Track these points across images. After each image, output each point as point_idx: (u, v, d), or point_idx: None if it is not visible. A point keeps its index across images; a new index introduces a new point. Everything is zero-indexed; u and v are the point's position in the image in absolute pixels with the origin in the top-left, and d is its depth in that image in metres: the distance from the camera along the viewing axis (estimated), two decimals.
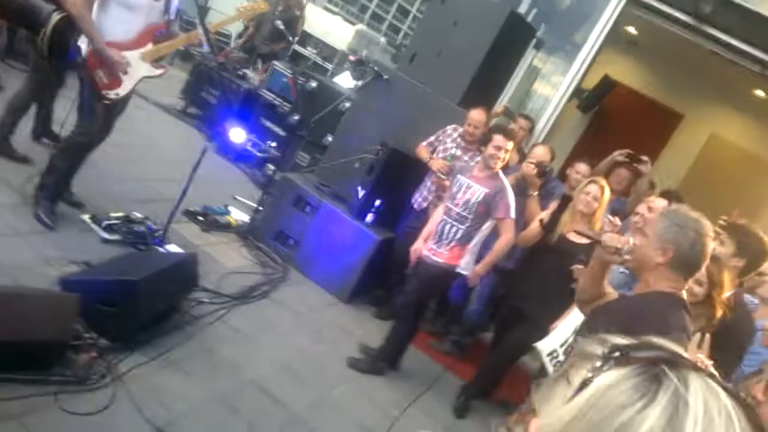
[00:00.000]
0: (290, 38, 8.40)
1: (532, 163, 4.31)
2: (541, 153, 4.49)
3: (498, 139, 3.83)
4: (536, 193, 4.33)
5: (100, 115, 3.70)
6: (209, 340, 3.40)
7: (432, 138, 4.72)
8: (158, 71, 3.87)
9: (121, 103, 3.85)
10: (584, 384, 0.64)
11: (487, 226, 3.89)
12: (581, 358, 0.69)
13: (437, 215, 4.00)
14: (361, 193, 4.80)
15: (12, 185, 3.89)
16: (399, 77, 5.19)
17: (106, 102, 3.66)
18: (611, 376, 0.62)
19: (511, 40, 5.16)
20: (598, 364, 0.65)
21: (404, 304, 4.09)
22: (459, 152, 4.58)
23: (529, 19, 6.16)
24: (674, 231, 2.04)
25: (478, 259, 4.01)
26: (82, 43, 3.59)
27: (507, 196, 3.75)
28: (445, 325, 4.97)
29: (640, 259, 2.12)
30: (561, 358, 2.93)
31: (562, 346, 3.04)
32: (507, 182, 3.79)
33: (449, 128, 4.70)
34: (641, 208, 3.57)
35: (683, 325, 2.05)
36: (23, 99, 4.39)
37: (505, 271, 4.56)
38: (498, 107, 5.73)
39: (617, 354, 0.65)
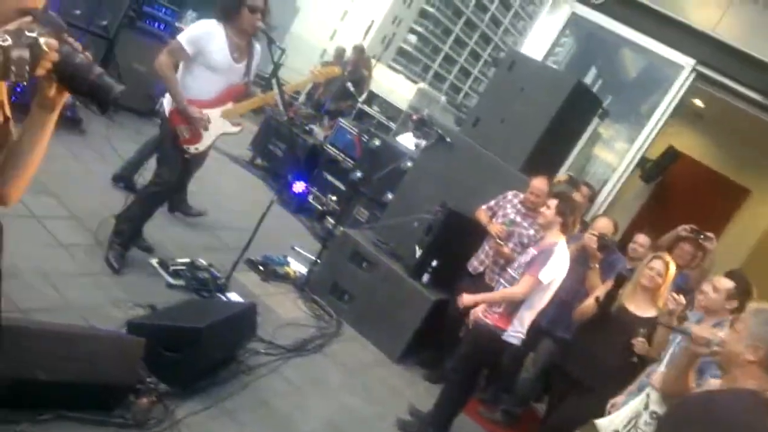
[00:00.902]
0: (357, 97, 8.67)
1: (594, 235, 4.28)
2: (603, 225, 4.45)
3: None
4: (597, 265, 4.27)
5: (179, 167, 3.90)
6: (263, 392, 3.44)
7: (492, 202, 4.75)
8: (236, 128, 4.06)
9: (200, 157, 4.04)
10: None
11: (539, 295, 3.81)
12: None
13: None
14: (418, 252, 4.83)
15: (87, 226, 4.10)
16: (462, 140, 5.28)
17: (187, 156, 3.86)
18: None
19: (577, 110, 5.21)
20: None
21: (455, 368, 4.04)
22: (519, 218, 4.58)
23: (595, 89, 6.20)
24: (766, 330, 2.02)
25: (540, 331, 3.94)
26: (166, 101, 3.83)
27: (548, 259, 3.64)
28: (496, 394, 4.87)
29: (729, 354, 2.10)
30: None
31: (625, 427, 2.94)
32: (562, 249, 3.73)
33: (510, 194, 4.72)
34: (706, 287, 3.47)
35: (763, 428, 1.99)
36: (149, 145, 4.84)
37: (562, 340, 4.47)
38: (561, 176, 5.73)
39: None
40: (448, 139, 5.29)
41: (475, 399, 4.55)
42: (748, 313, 2.12)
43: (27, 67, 1.23)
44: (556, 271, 3.67)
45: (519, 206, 4.63)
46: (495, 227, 4.57)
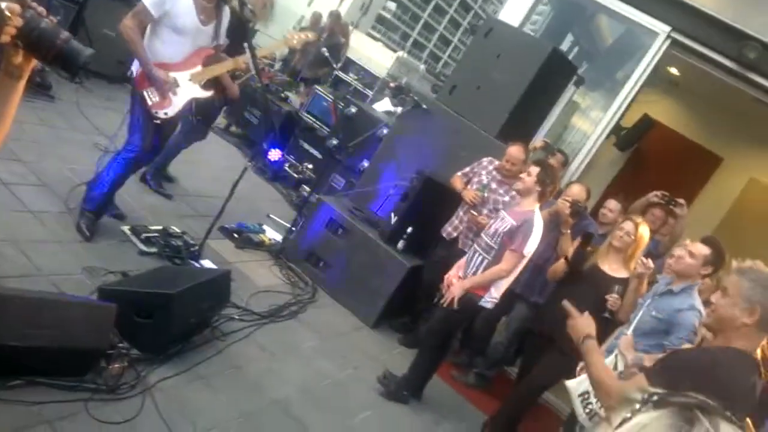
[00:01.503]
0: (334, 64, 8.57)
1: (567, 200, 4.31)
2: (576, 192, 4.49)
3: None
4: (569, 231, 4.32)
5: (150, 134, 3.83)
6: (237, 358, 3.46)
7: (467, 169, 4.76)
8: (206, 93, 3.99)
9: (172, 122, 3.98)
10: (623, 422, 0.70)
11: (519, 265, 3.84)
12: (623, 403, 0.74)
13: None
14: (393, 219, 4.84)
15: (58, 194, 4.04)
16: (438, 107, 5.26)
17: (156, 121, 3.80)
18: (649, 416, 0.68)
19: (552, 77, 5.20)
20: (637, 406, 0.70)
21: (429, 333, 4.10)
22: (494, 185, 4.60)
23: (571, 56, 6.19)
24: (760, 292, 2.05)
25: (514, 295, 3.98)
26: (134, 65, 3.75)
27: (530, 232, 3.67)
28: (469, 357, 4.94)
29: (722, 319, 2.13)
30: (595, 403, 2.89)
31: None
32: (539, 219, 3.76)
33: (485, 160, 4.73)
34: (679, 252, 3.53)
35: (751, 386, 2.05)
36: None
37: (536, 305, 4.54)
38: (538, 141, 5.75)
39: (655, 398, 0.70)
40: (425, 106, 5.27)
41: (448, 362, 4.62)
42: (735, 275, 2.14)
43: None
44: (536, 241, 3.72)
45: (494, 173, 4.65)
46: (469, 194, 4.59)
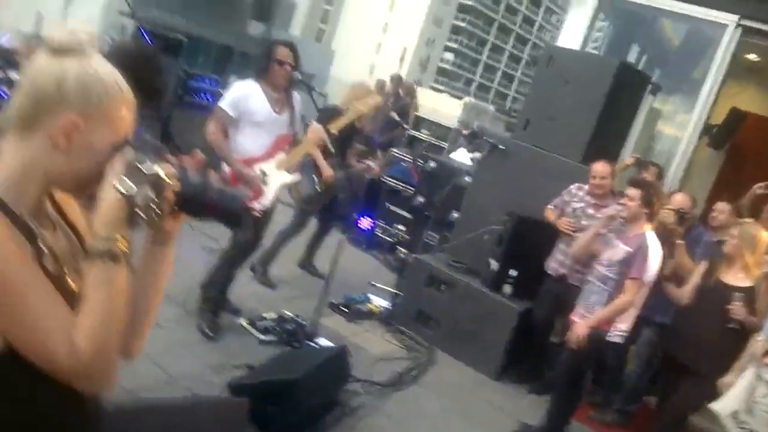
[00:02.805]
0: (404, 125, 8.76)
1: (669, 209, 4.15)
2: (680, 200, 4.32)
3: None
4: (682, 241, 4.12)
5: (250, 227, 4.04)
6: (369, 431, 3.47)
7: (557, 200, 4.68)
8: (293, 177, 4.18)
9: (267, 213, 4.18)
10: None
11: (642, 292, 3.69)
12: None
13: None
14: (494, 265, 4.79)
15: (175, 300, 4.28)
16: (516, 145, 5.24)
17: (255, 213, 4.01)
18: None
19: (626, 91, 5.08)
20: None
21: (560, 376, 3.95)
22: (590, 210, 4.48)
23: (641, 66, 6.04)
24: None
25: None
26: (224, 165, 4.00)
27: (648, 256, 3.55)
28: (605, 394, 4.71)
29: None
30: (747, 420, 2.68)
31: (743, 405, 2.80)
32: (653, 241, 3.61)
33: (572, 188, 4.64)
34: None
35: None
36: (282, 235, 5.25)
37: (663, 326, 4.31)
38: (628, 159, 5.59)
39: None
40: (502, 147, 5.27)
41: (585, 403, 4.42)
42: None
43: (155, 208, 1.08)
44: (655, 264, 3.58)
45: (587, 198, 4.53)
46: (562, 223, 4.49)
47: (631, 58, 6.17)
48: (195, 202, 1.15)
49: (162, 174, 1.08)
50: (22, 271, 0.99)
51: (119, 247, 1.07)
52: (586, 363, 3.93)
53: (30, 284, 0.99)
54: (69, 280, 1.11)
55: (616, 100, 4.93)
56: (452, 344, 4.84)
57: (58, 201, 1.20)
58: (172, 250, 1.27)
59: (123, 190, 1.04)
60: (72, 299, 1.06)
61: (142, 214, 1.06)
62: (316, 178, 4.82)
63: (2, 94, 4.87)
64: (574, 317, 3.77)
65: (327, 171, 4.84)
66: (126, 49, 3.26)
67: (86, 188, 1.12)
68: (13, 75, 4.95)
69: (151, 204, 1.07)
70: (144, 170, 1.06)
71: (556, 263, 4.57)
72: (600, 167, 4.44)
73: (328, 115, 4.63)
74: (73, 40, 1.06)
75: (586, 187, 4.54)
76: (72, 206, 1.24)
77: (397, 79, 10.06)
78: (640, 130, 6.52)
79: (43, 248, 1.07)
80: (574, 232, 4.40)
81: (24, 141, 1.06)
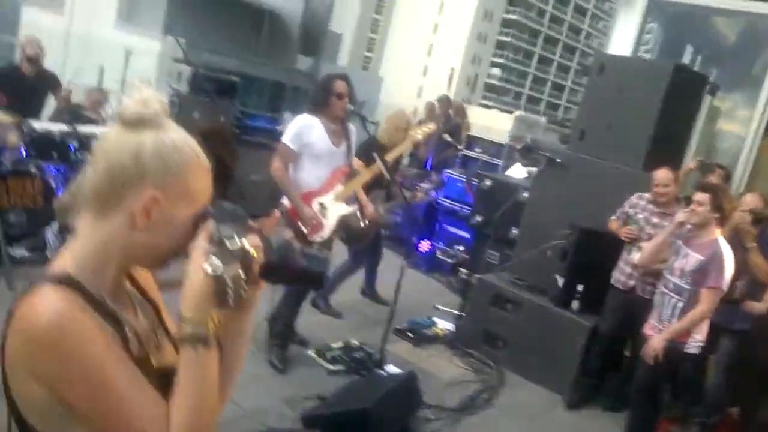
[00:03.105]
0: (457, 146, 8.76)
1: (744, 211, 3.99)
2: (751, 200, 4.15)
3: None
4: (755, 243, 3.95)
5: None
6: None
7: (619, 211, 4.55)
8: (352, 208, 4.24)
9: (327, 244, 4.25)
10: None
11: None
12: None
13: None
14: (560, 281, 4.70)
15: None
16: (573, 157, 5.15)
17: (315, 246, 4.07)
18: None
19: (683, 93, 4.95)
20: None
21: (636, 392, 3.82)
22: (655, 219, 4.35)
23: (697, 66, 5.88)
24: None
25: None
26: (284, 200, 4.09)
27: (723, 263, 3.42)
28: (685, 408, 4.52)
29: None
30: None
31: None
32: (726, 247, 3.48)
33: (633, 198, 4.51)
34: None
35: None
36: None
37: (741, 333, 4.12)
38: (691, 163, 5.42)
39: None
40: (558, 160, 5.19)
41: (663, 418, 4.25)
42: None
43: (243, 285, 1.01)
44: (730, 271, 3.45)
45: (649, 206, 4.40)
46: (623, 232, 4.38)
47: (686, 59, 6.01)
48: (279, 271, 1.08)
49: (248, 248, 1.02)
50: (111, 364, 0.95)
51: (209, 330, 1.01)
52: (663, 377, 3.79)
53: (120, 376, 0.96)
54: (153, 360, 1.07)
55: (673, 104, 4.80)
56: (522, 364, 4.75)
57: (133, 274, 1.16)
58: (252, 317, 1.17)
59: (211, 270, 0.98)
60: (157, 379, 1.02)
61: (231, 293, 0.99)
62: (359, 214, 4.82)
63: (71, 147, 5.12)
64: (648, 330, 3.65)
65: (369, 207, 4.84)
66: (200, 129, 3.29)
67: (165, 263, 1.09)
68: (81, 128, 5.20)
69: (241, 282, 1.00)
70: (230, 245, 1.00)
71: (623, 275, 4.43)
72: (662, 174, 4.31)
73: (368, 148, 4.66)
74: (147, 112, 1.02)
75: (647, 195, 4.42)
76: (144, 276, 1.19)
77: (445, 101, 10.08)
78: (701, 129, 6.32)
79: (129, 334, 1.03)
80: (634, 240, 4.27)
81: (100, 220, 1.02)
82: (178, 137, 1.05)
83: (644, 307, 3.89)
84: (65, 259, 1.01)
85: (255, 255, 1.02)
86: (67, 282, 0.97)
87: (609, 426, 4.17)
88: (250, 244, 1.02)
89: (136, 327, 1.07)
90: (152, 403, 0.99)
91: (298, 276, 1.12)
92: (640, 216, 4.40)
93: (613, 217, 4.56)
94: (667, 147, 4.95)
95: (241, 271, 1.00)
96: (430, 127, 4.72)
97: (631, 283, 4.34)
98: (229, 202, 1.12)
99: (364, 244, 5.14)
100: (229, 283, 0.98)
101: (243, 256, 1.01)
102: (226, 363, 1.12)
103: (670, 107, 4.77)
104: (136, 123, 1.02)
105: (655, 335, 3.53)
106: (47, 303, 0.93)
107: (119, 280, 1.08)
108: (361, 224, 4.55)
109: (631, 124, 4.85)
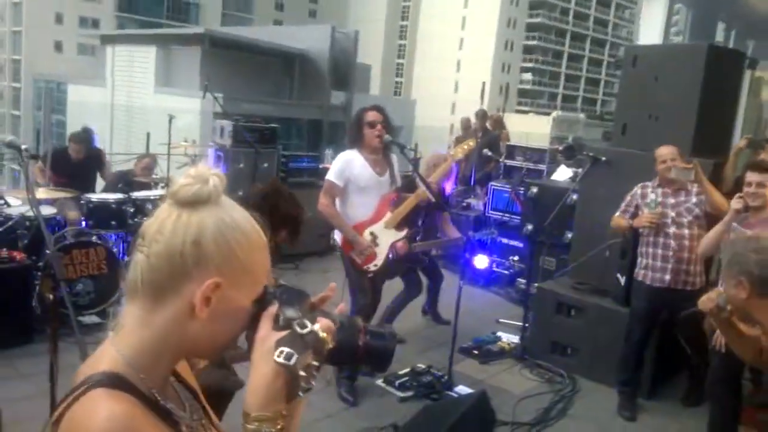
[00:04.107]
0: (498, 158, 8.74)
1: None
2: None
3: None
4: None
5: (369, 289, 4.16)
6: None
7: (623, 206, 4.35)
8: (402, 233, 4.27)
9: (381, 272, 4.29)
10: None
11: None
12: None
13: None
14: (621, 279, 4.60)
15: None
16: (618, 153, 5.07)
17: (370, 275, 4.13)
18: None
19: (722, 72, 4.84)
20: None
21: (712, 384, 3.70)
22: (671, 200, 4.18)
23: (731, 42, 5.74)
24: (737, 260, 1.91)
25: None
26: (336, 234, 4.16)
27: None
28: None
29: (735, 305, 1.96)
30: None
31: None
32: None
33: (637, 189, 4.31)
34: None
35: None
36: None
37: None
38: (741, 141, 5.27)
39: None
40: (603, 158, 5.12)
41: (747, 407, 4.08)
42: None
43: (315, 374, 0.91)
44: None
45: (658, 189, 4.22)
46: (644, 218, 4.14)
47: (719, 37, 5.88)
48: (346, 353, 0.96)
49: (319, 332, 0.90)
50: None
51: (278, 427, 0.90)
52: (738, 364, 3.65)
53: None
54: None
55: (713, 85, 4.70)
56: (593, 369, 4.66)
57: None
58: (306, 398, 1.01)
59: (283, 360, 0.86)
60: None
61: (303, 384, 0.88)
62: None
63: (128, 213, 5.39)
64: None
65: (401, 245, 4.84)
66: (259, 192, 3.09)
67: (221, 353, 0.99)
68: (135, 194, 5.51)
69: (313, 371, 0.89)
70: (300, 330, 0.89)
71: (654, 271, 4.15)
72: (663, 149, 4.16)
73: (412, 180, 4.70)
74: (204, 191, 0.91)
75: (650, 183, 4.28)
76: (182, 364, 1.09)
77: (481, 114, 10.10)
78: (746, 104, 6.15)
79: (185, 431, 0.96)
80: (659, 227, 4.10)
81: (153, 311, 0.91)
82: (238, 215, 0.95)
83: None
84: (112, 357, 0.90)
85: (327, 340, 0.91)
86: (119, 384, 0.87)
87: (692, 420, 4.03)
88: (321, 327, 0.90)
89: (188, 422, 0.99)
90: None
91: (364, 357, 0.98)
92: (652, 197, 4.22)
93: (617, 214, 4.38)
94: (712, 129, 4.84)
95: (312, 360, 0.89)
96: (469, 144, 4.73)
97: (667, 277, 4.11)
98: (288, 280, 1.01)
99: (396, 275, 5.07)
100: (302, 374, 0.88)
101: (315, 342, 0.89)
102: None
103: (710, 89, 4.67)
104: (193, 202, 0.91)
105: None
106: (103, 412, 0.82)
107: (169, 374, 0.99)
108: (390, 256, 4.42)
109: (673, 111, 4.77)
